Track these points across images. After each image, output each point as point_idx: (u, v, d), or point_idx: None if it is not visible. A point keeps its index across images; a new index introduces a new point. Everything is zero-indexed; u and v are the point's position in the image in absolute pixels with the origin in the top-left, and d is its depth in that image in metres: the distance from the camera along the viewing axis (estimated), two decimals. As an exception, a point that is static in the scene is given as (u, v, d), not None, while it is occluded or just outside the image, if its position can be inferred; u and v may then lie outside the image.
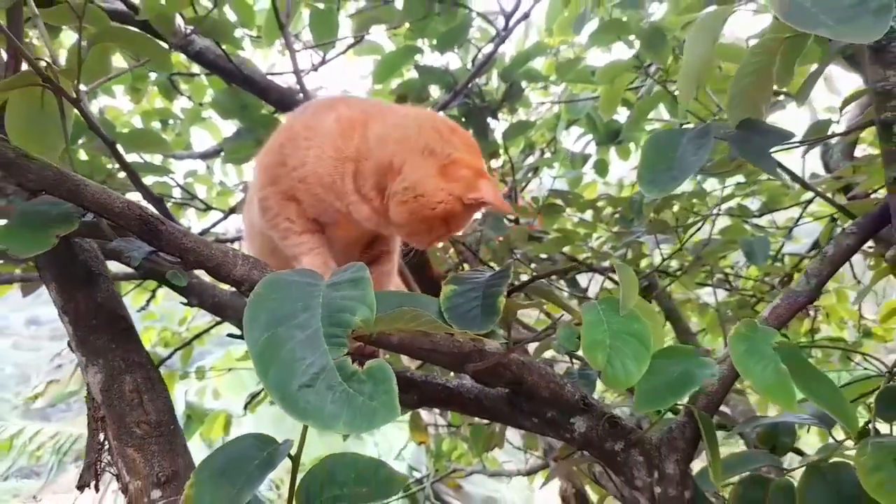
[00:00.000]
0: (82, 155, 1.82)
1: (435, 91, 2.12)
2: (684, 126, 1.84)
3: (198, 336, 2.66)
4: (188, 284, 1.06)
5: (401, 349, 0.98)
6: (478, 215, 2.22)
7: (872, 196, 1.66)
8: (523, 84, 2.10)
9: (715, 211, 2.01)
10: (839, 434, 1.18)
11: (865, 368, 2.19)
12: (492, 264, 2.24)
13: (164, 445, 0.95)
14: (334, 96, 1.10)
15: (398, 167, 0.93)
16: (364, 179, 0.96)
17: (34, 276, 1.60)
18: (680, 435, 1.06)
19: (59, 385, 4.26)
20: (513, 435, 2.89)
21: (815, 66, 1.29)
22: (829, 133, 1.33)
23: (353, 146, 0.96)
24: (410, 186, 0.92)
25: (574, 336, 0.94)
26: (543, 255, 2.46)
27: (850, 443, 1.09)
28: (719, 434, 1.13)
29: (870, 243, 1.51)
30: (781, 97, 1.64)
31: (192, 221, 2.70)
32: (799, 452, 1.56)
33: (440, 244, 2.30)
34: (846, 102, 1.27)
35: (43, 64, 0.93)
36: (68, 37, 2.13)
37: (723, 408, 2.11)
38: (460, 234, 1.05)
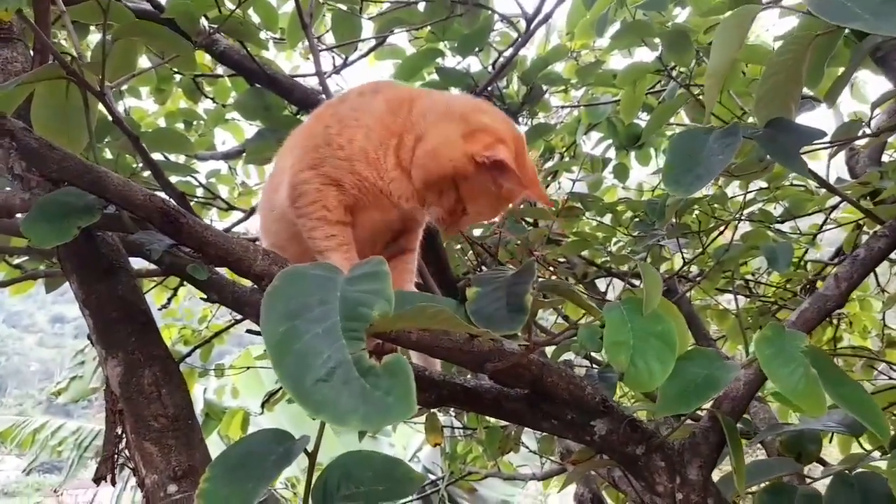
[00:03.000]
0: (108, 154, 1.84)
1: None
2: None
3: (217, 334, 2.67)
4: (208, 280, 1.06)
5: (420, 347, 0.97)
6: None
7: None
8: (544, 87, 2.08)
9: (737, 216, 1.97)
10: (866, 444, 1.14)
11: (890, 378, 2.15)
12: (510, 267, 2.22)
13: (181, 439, 0.95)
14: (377, 81, 1.11)
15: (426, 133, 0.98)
16: (403, 152, 0.99)
17: (58, 272, 1.62)
18: (703, 440, 1.04)
19: (82, 381, 4.32)
20: (528, 439, 2.86)
21: (843, 69, 1.26)
22: (860, 134, 1.30)
23: (399, 121, 1.00)
24: (430, 146, 0.96)
25: (596, 336, 0.92)
26: (562, 259, 2.43)
27: (877, 453, 1.07)
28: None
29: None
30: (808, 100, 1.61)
31: (215, 221, 2.72)
32: (822, 462, 1.53)
33: (458, 244, 2.29)
34: (877, 104, 1.24)
35: (68, 58, 0.94)
36: (97, 37, 2.16)
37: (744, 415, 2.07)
38: (483, 218, 1.03)
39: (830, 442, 2.23)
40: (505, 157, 0.93)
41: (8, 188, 1.12)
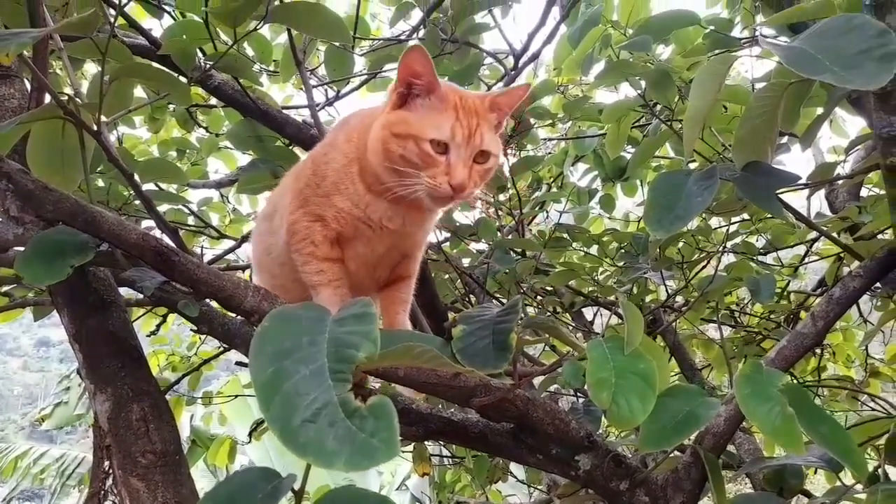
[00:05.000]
0: (100, 182, 1.85)
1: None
2: (689, 164, 1.86)
3: (206, 362, 2.66)
4: (198, 313, 1.07)
5: (407, 382, 0.99)
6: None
7: (879, 237, 1.67)
8: (531, 121, 2.12)
9: (720, 248, 2.01)
10: (847, 477, 1.16)
11: (872, 409, 2.17)
12: (498, 296, 2.24)
13: (168, 475, 0.95)
14: (349, 114, 1.15)
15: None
16: (370, 175, 1.01)
17: (46, 300, 1.62)
18: (686, 475, 1.05)
19: (67, 408, 4.26)
20: (516, 468, 2.86)
21: (820, 109, 1.31)
22: (835, 175, 1.34)
23: (353, 147, 1.03)
24: (369, 145, 0.98)
25: (580, 373, 0.94)
26: (549, 288, 2.46)
27: (860, 486, 1.08)
28: (725, 474, 1.12)
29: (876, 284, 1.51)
30: (786, 139, 1.66)
31: (206, 248, 2.72)
32: (807, 494, 1.54)
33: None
34: (851, 146, 1.28)
35: (65, 97, 0.96)
36: (92, 66, 2.18)
37: (729, 447, 2.09)
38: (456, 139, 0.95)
39: (815, 473, 2.25)
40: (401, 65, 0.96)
41: (0, 220, 1.13)
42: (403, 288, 1.17)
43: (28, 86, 1.24)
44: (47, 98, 1.07)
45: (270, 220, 1.14)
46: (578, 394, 1.86)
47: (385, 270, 1.15)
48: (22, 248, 0.94)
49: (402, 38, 1.93)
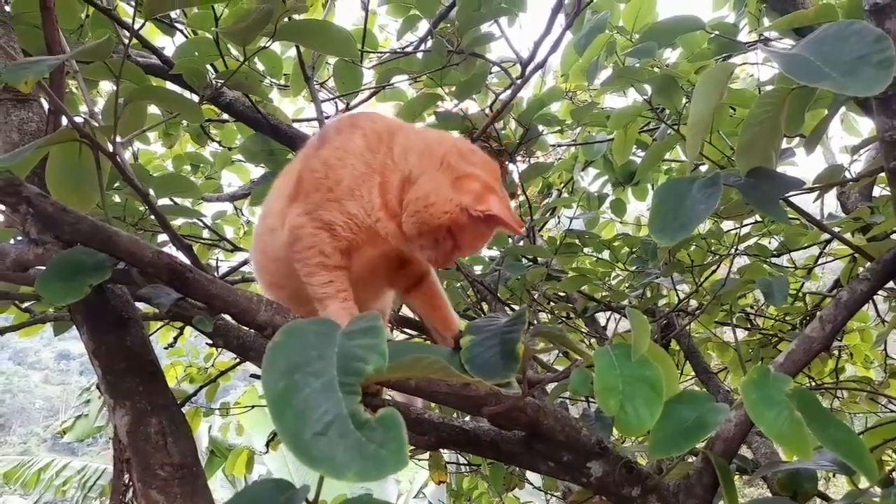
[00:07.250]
0: (116, 198, 1.89)
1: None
2: (698, 168, 1.86)
3: (223, 373, 2.70)
4: (214, 327, 1.09)
5: (418, 392, 1.00)
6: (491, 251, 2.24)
7: (893, 237, 1.66)
8: (540, 127, 2.14)
9: (732, 251, 2.01)
10: (864, 481, 1.16)
11: (892, 411, 2.15)
12: (510, 304, 2.25)
13: (186, 487, 0.97)
14: (355, 115, 1.13)
15: (415, 178, 0.99)
16: (390, 193, 1.00)
17: (66, 315, 1.65)
18: (697, 481, 1.06)
19: (87, 420, 4.32)
20: (533, 475, 2.86)
21: (827, 111, 1.31)
22: (843, 178, 1.34)
23: (379, 159, 1.01)
24: (422, 196, 0.98)
25: (587, 381, 0.95)
26: (561, 294, 2.47)
27: (876, 489, 1.08)
28: (741, 478, 1.12)
29: (890, 284, 1.50)
30: (795, 141, 1.65)
31: (221, 261, 2.76)
32: (825, 498, 1.53)
33: (453, 266, 2.32)
34: (857, 149, 1.28)
35: (80, 120, 0.99)
36: (107, 84, 2.23)
37: (745, 450, 2.08)
38: (474, 253, 1.05)
39: (833, 476, 2.22)
40: (499, 212, 0.95)
41: (20, 237, 1.16)
42: (433, 284, 1.15)
43: (46, 108, 1.27)
44: (64, 120, 1.10)
45: (266, 221, 1.13)
46: (590, 402, 1.86)
47: (393, 267, 1.13)
48: (42, 268, 0.97)
49: (410, 49, 1.96)
